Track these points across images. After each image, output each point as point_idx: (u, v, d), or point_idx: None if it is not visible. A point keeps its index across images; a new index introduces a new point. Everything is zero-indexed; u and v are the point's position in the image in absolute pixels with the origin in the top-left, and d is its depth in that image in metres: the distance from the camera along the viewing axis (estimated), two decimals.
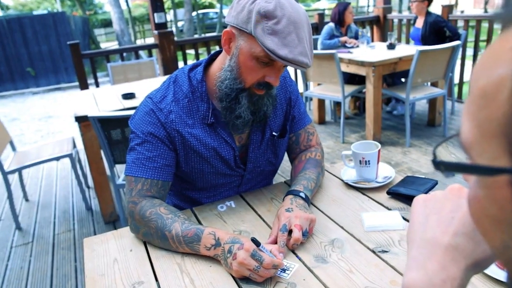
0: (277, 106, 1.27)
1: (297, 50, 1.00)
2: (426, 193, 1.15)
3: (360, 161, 1.25)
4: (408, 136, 3.73)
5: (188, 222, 1.04)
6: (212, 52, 1.22)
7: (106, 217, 2.93)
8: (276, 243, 1.00)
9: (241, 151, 1.25)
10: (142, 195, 1.12)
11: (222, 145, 1.20)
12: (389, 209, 1.14)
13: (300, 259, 0.97)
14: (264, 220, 1.15)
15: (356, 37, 4.52)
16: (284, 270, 0.93)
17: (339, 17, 4.41)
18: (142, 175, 1.13)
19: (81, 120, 2.56)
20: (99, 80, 4.84)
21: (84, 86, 4.18)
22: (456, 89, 4.79)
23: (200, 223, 1.17)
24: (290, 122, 1.31)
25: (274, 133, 1.27)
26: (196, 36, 18.34)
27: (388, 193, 1.20)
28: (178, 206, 1.37)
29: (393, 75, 4.28)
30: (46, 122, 6.83)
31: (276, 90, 1.23)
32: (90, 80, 4.77)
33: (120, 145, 2.37)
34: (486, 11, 18.75)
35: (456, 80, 4.76)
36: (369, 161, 1.24)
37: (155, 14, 4.34)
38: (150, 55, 4.66)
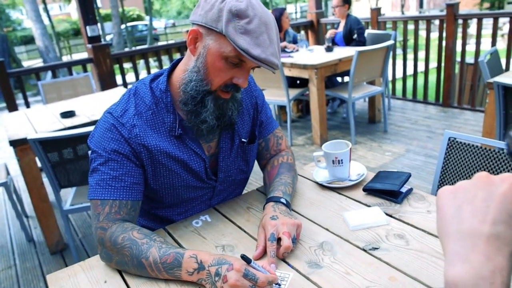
0: (244, 112, 1.23)
1: (269, 51, 0.97)
2: (402, 186, 1.18)
3: (333, 161, 1.25)
4: (353, 134, 3.86)
5: (165, 245, 0.96)
6: (174, 61, 1.16)
7: (52, 247, 2.69)
8: (265, 254, 0.96)
9: (210, 161, 1.19)
10: (111, 219, 1.02)
11: (191, 157, 1.13)
12: (369, 206, 1.14)
13: (293, 267, 0.93)
14: (245, 231, 1.10)
15: (294, 41, 4.62)
16: (279, 284, 0.89)
17: (276, 23, 4.48)
18: (109, 197, 1.03)
19: (17, 144, 2.33)
20: (29, 99, 4.47)
21: (12, 107, 3.84)
22: (390, 86, 5.06)
23: (177, 242, 1.09)
24: (258, 128, 1.27)
25: (243, 139, 1.22)
26: (127, 49, 17.75)
27: (364, 190, 1.21)
28: (147, 227, 1.27)
29: (331, 77, 4.44)
30: None
31: (241, 95, 1.19)
32: (19, 101, 4.39)
33: (65, 166, 2.19)
34: (403, 13, 20.40)
35: (389, 77, 5.03)
36: (342, 160, 1.24)
37: (87, 27, 4.11)
38: (85, 70, 4.40)
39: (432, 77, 4.93)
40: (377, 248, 0.96)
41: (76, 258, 2.54)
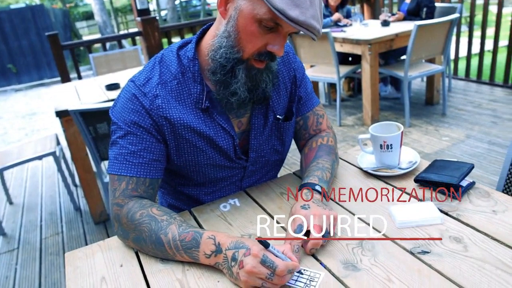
0: (280, 86, 1.10)
1: (309, 13, 0.83)
2: (462, 179, 1.00)
3: (381, 145, 1.09)
4: (408, 116, 3.59)
5: (185, 224, 0.88)
6: (204, 26, 1.04)
7: (96, 217, 2.75)
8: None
9: (241, 139, 1.08)
10: (127, 196, 0.95)
11: (219, 133, 1.03)
12: (421, 200, 0.99)
13: (325, 266, 0.81)
14: (277, 220, 0.99)
15: (348, 16, 4.34)
16: (300, 272, 0.78)
17: None
18: (126, 173, 0.96)
19: (63, 115, 2.36)
20: (82, 74, 4.59)
21: (66, 79, 3.95)
22: (452, 66, 4.65)
23: (201, 227, 1.00)
24: (296, 104, 1.14)
25: (278, 116, 1.10)
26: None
27: (416, 180, 1.05)
28: (173, 207, 1.21)
29: (387, 55, 4.11)
30: (30, 119, 6.55)
31: (278, 66, 1.06)
32: (73, 75, 4.52)
33: (107, 139, 2.18)
34: None
35: (452, 56, 4.62)
36: (391, 145, 1.08)
37: (137, 0, 4.10)
38: (134, 44, 4.42)
39: (501, 56, 4.45)
40: (427, 252, 0.81)
41: None
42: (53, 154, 2.82)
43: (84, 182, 2.62)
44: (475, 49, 4.53)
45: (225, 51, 0.92)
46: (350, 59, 4.25)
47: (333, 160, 1.10)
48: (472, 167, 1.00)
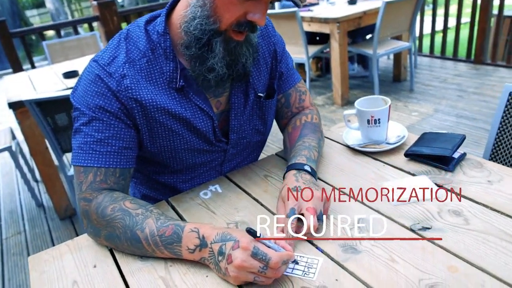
0: (260, 61, 1.01)
1: None
2: (455, 150, 0.96)
3: (368, 120, 1.03)
4: (377, 93, 3.59)
5: (164, 217, 0.79)
6: None
7: (61, 212, 2.59)
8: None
9: (220, 120, 0.99)
10: (96, 189, 0.85)
11: (196, 115, 0.93)
12: (413, 175, 0.94)
13: (322, 251, 0.75)
14: (262, 205, 0.91)
15: None
16: (297, 262, 0.71)
17: None
18: (93, 164, 0.85)
19: (16, 106, 2.17)
20: (36, 64, 4.29)
21: (18, 69, 3.68)
22: (416, 43, 4.70)
23: (181, 218, 0.91)
24: (277, 80, 1.06)
25: (259, 94, 1.02)
26: None
27: (406, 155, 1.00)
28: (148, 197, 1.11)
29: (354, 34, 4.09)
30: None
31: (257, 39, 0.97)
32: (26, 66, 4.22)
33: (67, 131, 2.02)
34: None
35: (416, 34, 4.66)
36: (379, 119, 1.02)
37: None
38: (92, 30, 4.17)
39: (464, 32, 4.53)
40: (428, 228, 0.76)
41: None
42: (8, 149, 2.61)
43: (46, 177, 2.45)
44: (439, 26, 4.59)
45: (200, 21, 0.82)
46: (317, 38, 4.20)
47: (319, 138, 1.04)
48: (464, 137, 0.97)
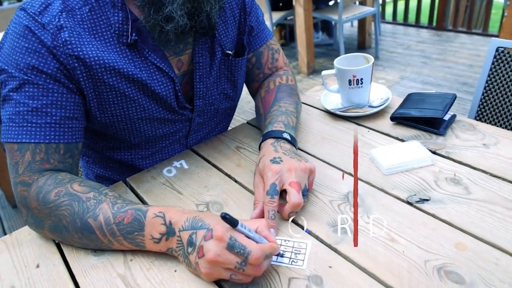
0: (227, 13, 0.87)
1: None
2: (446, 112, 0.87)
3: (349, 80, 0.92)
4: None
5: (121, 200, 0.65)
6: None
7: (12, 200, 2.36)
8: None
9: (183, 83, 0.85)
10: (36, 170, 0.69)
11: (154, 76, 0.78)
12: (402, 140, 0.85)
13: (309, 232, 0.64)
14: (236, 181, 0.79)
15: None
16: (281, 255, 0.60)
17: None
18: (29, 139, 0.69)
19: None
20: None
21: None
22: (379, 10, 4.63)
23: (142, 201, 0.78)
24: (247, 36, 0.92)
25: (227, 51, 0.88)
26: None
27: (392, 118, 0.90)
28: (103, 178, 0.96)
29: (317, 0, 3.96)
30: None
31: None
32: None
33: None
34: None
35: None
36: (361, 79, 0.92)
37: None
38: None
39: None
40: (427, 200, 0.68)
41: None
42: None
43: None
44: None
45: None
46: (280, 4, 4.04)
47: (296, 102, 0.92)
48: (455, 96, 0.88)
